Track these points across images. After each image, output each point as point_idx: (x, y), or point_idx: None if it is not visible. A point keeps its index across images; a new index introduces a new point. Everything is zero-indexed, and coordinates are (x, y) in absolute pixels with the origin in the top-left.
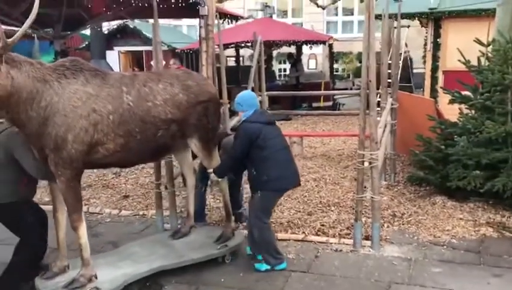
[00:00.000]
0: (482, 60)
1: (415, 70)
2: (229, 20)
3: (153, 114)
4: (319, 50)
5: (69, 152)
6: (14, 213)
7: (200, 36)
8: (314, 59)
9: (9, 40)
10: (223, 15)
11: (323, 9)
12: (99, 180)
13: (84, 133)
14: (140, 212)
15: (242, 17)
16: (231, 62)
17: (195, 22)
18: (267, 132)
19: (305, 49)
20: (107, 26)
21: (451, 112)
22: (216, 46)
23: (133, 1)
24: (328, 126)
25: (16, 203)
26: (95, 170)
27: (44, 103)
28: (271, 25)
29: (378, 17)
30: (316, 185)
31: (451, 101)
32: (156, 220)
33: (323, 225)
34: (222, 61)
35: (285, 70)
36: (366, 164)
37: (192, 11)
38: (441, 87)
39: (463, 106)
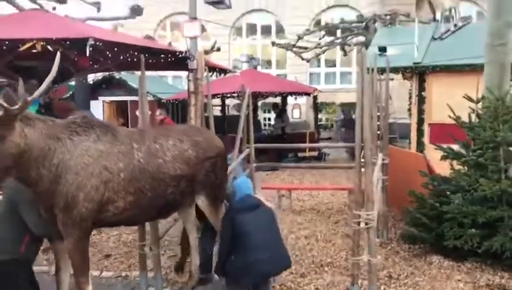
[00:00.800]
0: (473, 116)
1: (399, 121)
2: (217, 74)
3: (163, 171)
4: (303, 100)
5: (80, 211)
6: (10, 271)
7: (188, 89)
8: (298, 109)
9: (29, 98)
10: (211, 68)
11: (308, 62)
12: None
13: (95, 192)
14: (123, 274)
15: (230, 71)
16: (216, 111)
17: (180, 72)
18: (245, 218)
19: (290, 99)
20: (92, 77)
21: (440, 165)
22: (204, 97)
23: (121, 56)
24: (315, 177)
25: (15, 261)
26: None
27: (56, 161)
28: (257, 77)
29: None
30: (307, 243)
31: (444, 157)
32: (140, 282)
33: (317, 289)
34: (210, 112)
35: (269, 119)
36: (362, 224)
37: (180, 65)
38: (432, 143)
39: (454, 162)
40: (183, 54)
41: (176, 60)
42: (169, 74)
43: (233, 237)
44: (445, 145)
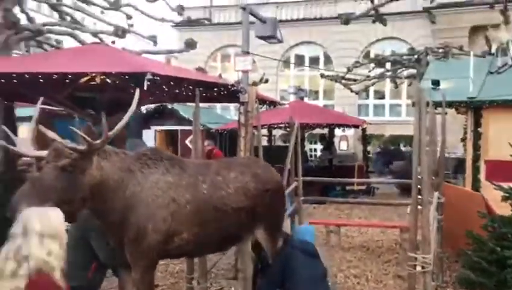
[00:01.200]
0: None
1: (452, 155)
2: (267, 106)
3: (226, 202)
4: (351, 132)
5: (148, 242)
6: None
7: (239, 121)
8: (345, 140)
9: (110, 133)
10: (262, 101)
11: (356, 94)
12: None
13: (163, 223)
14: None
15: (279, 103)
16: (263, 141)
17: (228, 104)
18: (299, 261)
19: (337, 130)
20: (145, 106)
21: (497, 203)
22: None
23: (177, 90)
24: (364, 212)
25: (81, 287)
26: None
27: (128, 193)
28: (304, 108)
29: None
30: (357, 283)
31: (505, 199)
32: None
33: None
34: (259, 143)
35: (315, 150)
36: (418, 267)
37: (231, 97)
38: (488, 180)
39: None
40: (235, 87)
41: (228, 93)
42: (218, 104)
43: (283, 272)
44: (505, 185)
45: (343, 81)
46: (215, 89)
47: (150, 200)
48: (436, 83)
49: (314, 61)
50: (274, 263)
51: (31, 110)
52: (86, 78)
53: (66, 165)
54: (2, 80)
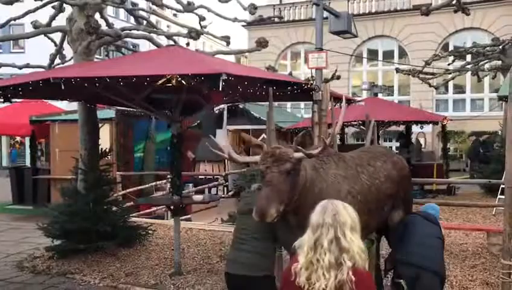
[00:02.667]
0: None
1: None
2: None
3: (381, 191)
4: (429, 129)
5: None
6: (266, 287)
7: (312, 120)
8: (423, 138)
9: (327, 140)
10: (337, 99)
11: (436, 88)
12: (203, 264)
13: None
14: None
15: (354, 101)
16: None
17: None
18: (417, 220)
19: (413, 127)
20: (218, 107)
21: None
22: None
23: (250, 90)
24: (445, 213)
25: (269, 277)
26: (200, 253)
27: (316, 189)
28: (379, 105)
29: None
30: None
31: None
32: None
33: None
34: (335, 142)
35: (391, 148)
36: None
37: (304, 95)
38: None
39: None
40: (308, 86)
41: (301, 91)
42: (288, 102)
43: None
44: None
45: (420, 75)
46: (289, 88)
47: (334, 195)
48: None
49: (388, 55)
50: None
51: (107, 112)
52: (162, 81)
53: (290, 168)
54: (86, 84)
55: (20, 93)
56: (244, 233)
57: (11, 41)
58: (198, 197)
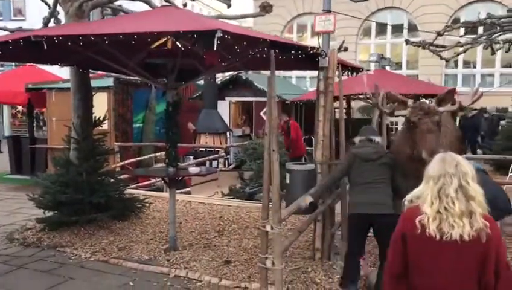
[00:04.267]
0: None
1: None
2: (349, 73)
3: None
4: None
5: None
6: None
7: (317, 89)
8: None
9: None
10: (344, 67)
11: (447, 61)
12: (200, 239)
13: None
14: (242, 284)
15: (363, 69)
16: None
17: (304, 73)
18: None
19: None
20: (220, 77)
21: None
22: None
23: (250, 52)
24: None
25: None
26: (198, 227)
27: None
28: (388, 77)
29: None
30: None
31: None
32: None
33: None
34: (341, 114)
35: (397, 123)
36: None
37: (309, 63)
38: None
39: None
40: (314, 50)
41: (305, 58)
42: (293, 73)
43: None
44: None
45: (431, 47)
46: (292, 52)
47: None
48: None
49: (396, 28)
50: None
51: (105, 81)
52: (157, 43)
53: (439, 120)
54: (69, 43)
55: (0, 53)
56: (370, 178)
57: (12, 9)
58: (194, 170)
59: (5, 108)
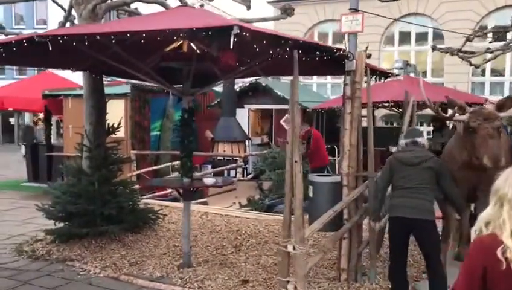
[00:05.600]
0: None
1: None
2: (377, 78)
3: None
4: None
5: None
6: (434, 230)
7: (344, 94)
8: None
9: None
10: (372, 71)
11: (477, 68)
12: (216, 255)
13: None
14: None
15: (392, 74)
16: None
17: (325, 80)
18: None
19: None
20: (239, 84)
21: None
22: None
23: (271, 53)
24: None
25: (434, 222)
26: (214, 241)
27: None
28: (415, 84)
29: None
30: None
31: None
32: None
33: None
34: (370, 122)
35: (428, 133)
36: None
37: (335, 67)
38: None
39: None
40: (341, 52)
41: (330, 62)
42: (314, 80)
43: None
44: None
45: (459, 54)
46: (317, 53)
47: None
48: None
49: (421, 36)
50: None
51: (123, 88)
52: (171, 46)
53: (499, 125)
54: (74, 43)
55: (4, 55)
56: (412, 182)
57: (35, 17)
58: (210, 181)
59: (26, 115)
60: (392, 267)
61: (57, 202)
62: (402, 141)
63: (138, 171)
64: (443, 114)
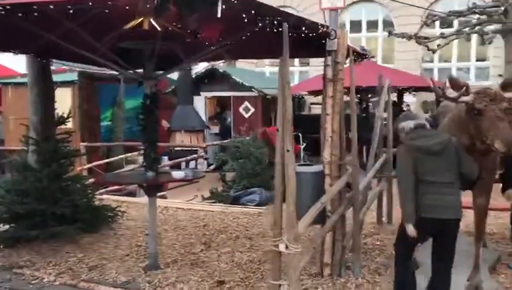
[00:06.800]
0: None
1: None
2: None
3: None
4: (412, 98)
5: None
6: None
7: (324, 77)
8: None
9: None
10: (348, 52)
11: (434, 52)
12: (185, 254)
13: None
14: None
15: (367, 56)
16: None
17: (276, 68)
18: None
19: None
20: (194, 71)
21: None
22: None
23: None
24: None
25: (459, 221)
26: (180, 239)
27: None
28: (375, 69)
29: None
30: None
31: None
32: None
33: None
34: (353, 107)
35: (384, 119)
36: None
37: (314, 48)
38: None
39: None
40: (324, 29)
41: (308, 42)
42: (267, 69)
43: None
44: None
45: (416, 38)
46: (303, 29)
47: None
48: None
49: (372, 23)
50: None
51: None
52: (131, 24)
53: (506, 106)
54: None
55: None
56: (439, 175)
57: None
58: (179, 174)
59: None
60: (400, 270)
61: (0, 202)
62: (406, 124)
63: (89, 165)
64: (450, 96)
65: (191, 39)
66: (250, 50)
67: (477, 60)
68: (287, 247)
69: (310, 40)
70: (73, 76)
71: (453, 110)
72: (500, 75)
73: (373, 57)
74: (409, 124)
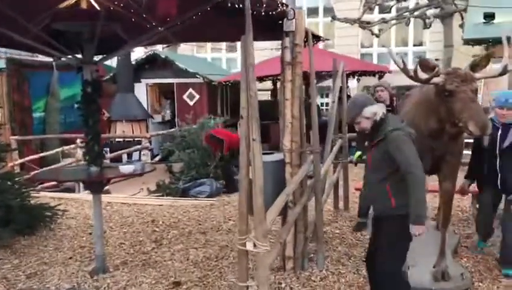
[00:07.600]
0: None
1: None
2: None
3: None
4: (354, 84)
5: None
6: None
7: (282, 60)
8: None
9: None
10: (306, 34)
11: (377, 37)
12: (135, 253)
13: None
14: None
15: (323, 39)
16: (264, 96)
17: (219, 54)
18: None
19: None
20: (134, 57)
21: None
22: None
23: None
24: None
25: None
26: (128, 237)
27: None
28: (320, 54)
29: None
30: None
31: None
32: None
33: None
34: (313, 93)
35: (327, 104)
36: None
37: (270, 30)
38: None
39: None
40: (283, 8)
41: (267, 23)
42: (208, 54)
43: None
44: None
45: (359, 23)
46: (264, 6)
47: None
48: (490, 16)
49: (312, 10)
50: None
51: None
52: (67, 2)
53: (477, 87)
54: None
55: None
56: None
57: None
58: (127, 168)
59: None
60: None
61: None
62: (379, 109)
63: (22, 160)
64: (421, 77)
65: (136, 19)
66: (201, 33)
67: (415, 45)
68: (255, 245)
69: (266, 21)
70: (2, 63)
71: (417, 95)
72: (437, 59)
73: (328, 39)
74: (381, 109)
